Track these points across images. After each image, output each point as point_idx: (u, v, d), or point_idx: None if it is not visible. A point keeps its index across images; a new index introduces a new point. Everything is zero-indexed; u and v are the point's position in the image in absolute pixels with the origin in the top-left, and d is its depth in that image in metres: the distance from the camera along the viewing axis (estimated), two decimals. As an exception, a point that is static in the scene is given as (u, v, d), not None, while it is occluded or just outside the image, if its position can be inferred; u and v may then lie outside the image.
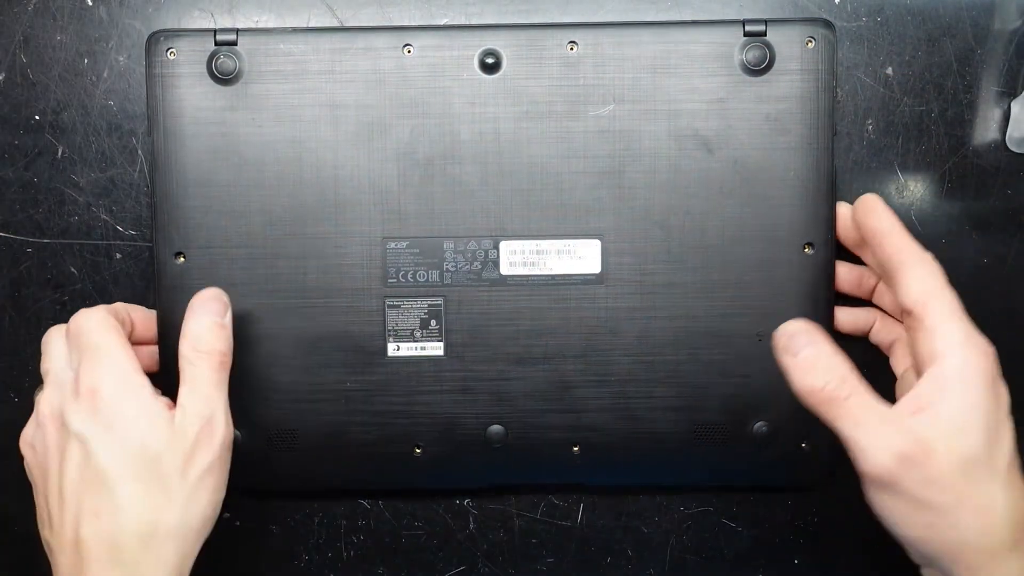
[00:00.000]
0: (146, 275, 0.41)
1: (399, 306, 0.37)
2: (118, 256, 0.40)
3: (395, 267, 0.37)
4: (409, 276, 0.37)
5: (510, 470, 0.39)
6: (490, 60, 0.36)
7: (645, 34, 0.37)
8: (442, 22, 0.41)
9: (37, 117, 0.40)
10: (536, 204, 0.37)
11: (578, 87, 0.37)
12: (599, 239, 0.37)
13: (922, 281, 0.32)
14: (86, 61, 0.39)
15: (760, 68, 0.38)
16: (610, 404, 0.38)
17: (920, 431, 0.28)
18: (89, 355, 0.31)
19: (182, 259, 0.36)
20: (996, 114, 0.48)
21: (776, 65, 0.38)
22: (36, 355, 0.41)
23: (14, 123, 0.39)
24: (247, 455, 0.37)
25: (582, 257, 0.37)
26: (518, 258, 0.37)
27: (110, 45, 0.39)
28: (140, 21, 0.40)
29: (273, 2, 0.40)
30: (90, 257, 0.40)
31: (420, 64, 0.36)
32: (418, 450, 0.38)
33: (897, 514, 0.28)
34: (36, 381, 0.41)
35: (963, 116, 0.47)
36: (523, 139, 0.37)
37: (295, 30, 0.37)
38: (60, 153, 0.40)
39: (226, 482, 0.32)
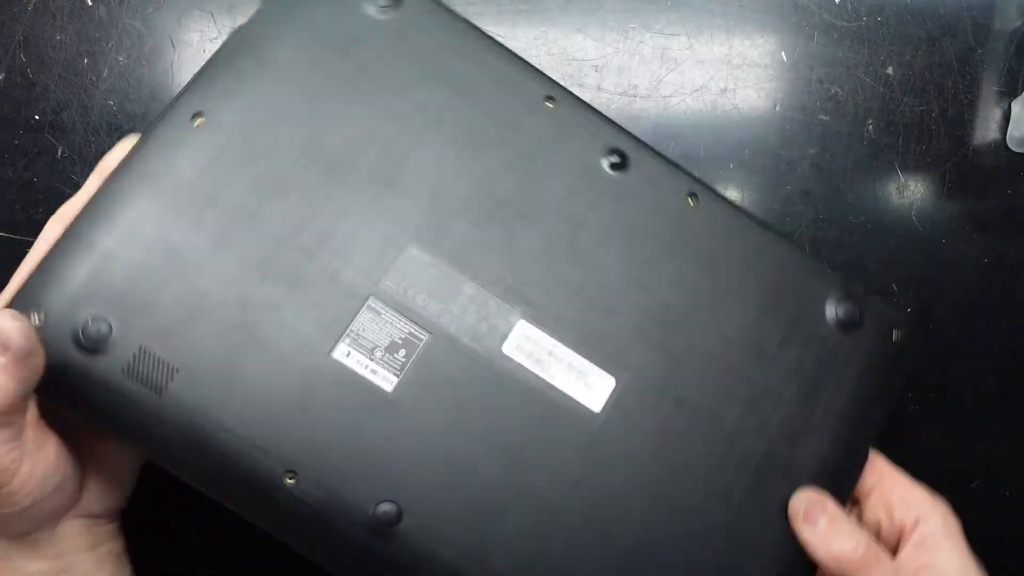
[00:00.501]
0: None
1: (380, 313, 0.31)
2: (118, 256, 0.40)
3: (401, 273, 0.32)
4: (408, 291, 0.31)
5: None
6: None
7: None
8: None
9: (37, 117, 0.40)
10: (579, 303, 0.32)
11: None
12: (614, 379, 0.32)
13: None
14: (86, 61, 0.39)
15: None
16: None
17: None
18: None
19: None
20: (996, 114, 0.48)
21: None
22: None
23: (14, 123, 0.39)
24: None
25: (590, 386, 0.32)
26: (527, 346, 0.32)
27: (110, 45, 0.39)
28: (140, 21, 0.40)
29: (273, 2, 0.41)
30: (90, 257, 0.40)
31: None
32: (290, 480, 0.29)
33: None
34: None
35: (963, 116, 0.47)
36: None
37: None
38: (60, 153, 0.40)
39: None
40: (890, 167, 0.47)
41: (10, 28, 0.39)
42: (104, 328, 0.28)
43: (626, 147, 0.35)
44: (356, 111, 0.32)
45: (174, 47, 0.40)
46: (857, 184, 0.47)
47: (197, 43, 0.40)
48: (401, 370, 0.30)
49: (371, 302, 0.31)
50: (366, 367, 0.30)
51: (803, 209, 0.46)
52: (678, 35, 0.44)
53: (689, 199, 0.34)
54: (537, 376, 0.31)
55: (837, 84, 0.46)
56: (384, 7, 0.33)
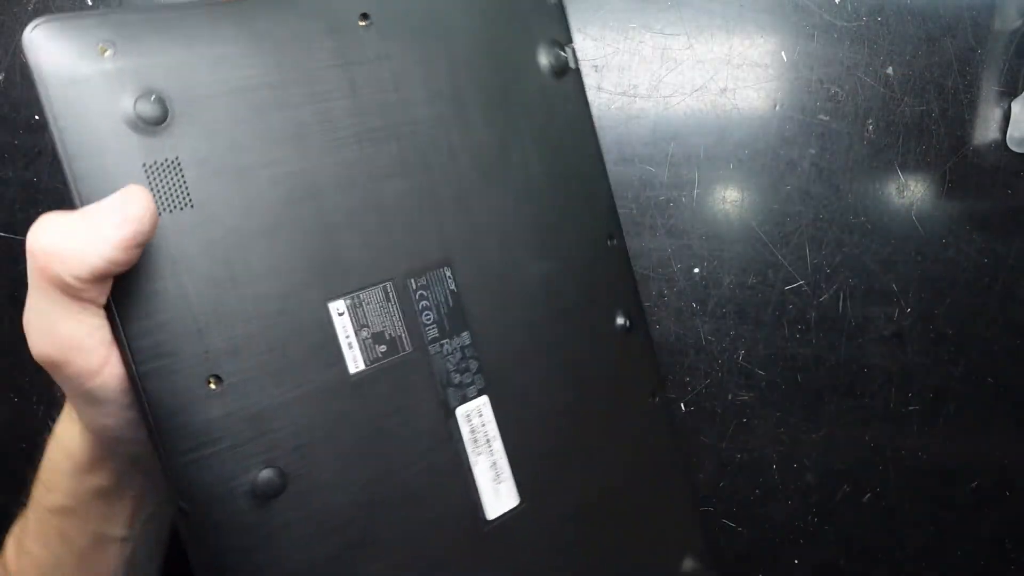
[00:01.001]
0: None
1: (389, 302, 0.30)
2: (118, 256, 0.40)
3: (429, 283, 0.31)
4: (422, 303, 0.31)
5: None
6: None
7: None
8: None
9: (37, 117, 0.40)
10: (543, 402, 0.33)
11: None
12: (520, 501, 0.33)
13: None
14: (86, 61, 0.39)
15: None
16: None
17: None
18: None
19: None
20: (996, 114, 0.48)
21: None
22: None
23: (14, 123, 0.39)
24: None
25: (497, 493, 0.32)
26: (476, 421, 0.32)
27: (110, 45, 0.39)
28: (140, 21, 0.40)
29: (273, 2, 0.40)
30: (90, 257, 0.40)
31: None
32: (213, 386, 0.27)
33: None
34: (36, 381, 0.41)
35: (963, 116, 0.48)
36: None
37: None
38: (60, 153, 0.40)
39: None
40: (890, 167, 0.47)
41: (10, 28, 0.39)
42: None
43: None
44: None
45: (174, 47, 0.40)
46: (857, 184, 0.47)
47: (197, 43, 0.40)
48: (371, 362, 0.30)
49: (389, 286, 0.30)
50: (346, 338, 0.29)
51: (803, 209, 0.46)
52: (678, 35, 0.44)
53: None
54: (465, 451, 0.31)
55: (837, 84, 0.46)
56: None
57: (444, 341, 0.31)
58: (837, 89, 0.46)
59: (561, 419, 0.34)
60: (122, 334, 0.25)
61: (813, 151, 0.46)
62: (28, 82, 0.39)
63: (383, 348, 0.30)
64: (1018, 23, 0.47)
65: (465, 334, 0.32)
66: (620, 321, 0.36)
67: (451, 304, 0.32)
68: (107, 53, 0.25)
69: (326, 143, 0.29)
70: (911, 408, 0.49)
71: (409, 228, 0.31)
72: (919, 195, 0.48)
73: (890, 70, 0.46)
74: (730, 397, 0.47)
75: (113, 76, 0.25)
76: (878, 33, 0.46)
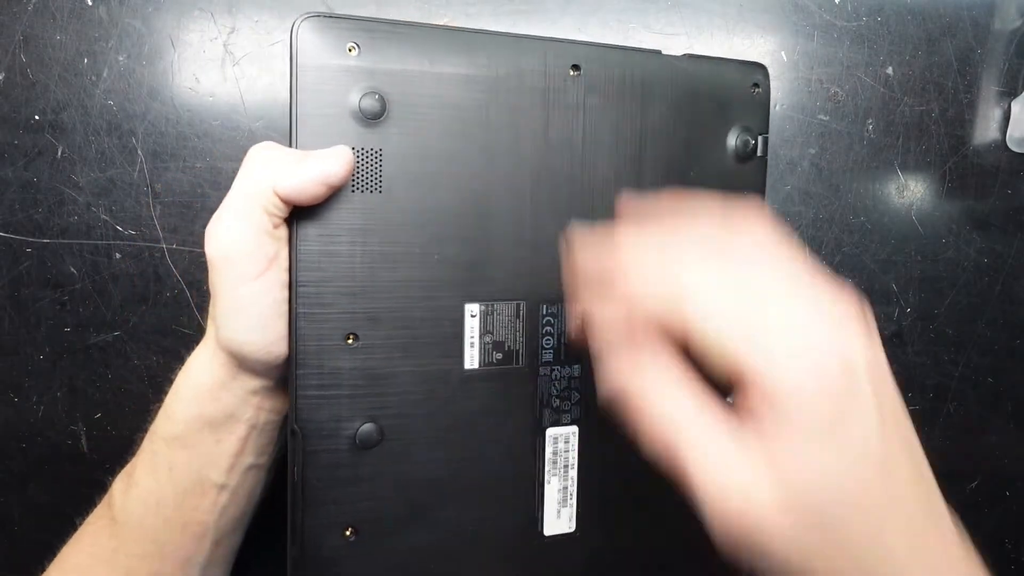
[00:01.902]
0: (146, 275, 0.41)
1: (519, 319, 0.34)
2: (118, 256, 0.40)
3: (557, 313, 0.34)
4: (546, 328, 0.34)
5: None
6: None
7: None
8: (442, 21, 0.41)
9: (37, 117, 0.39)
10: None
11: None
12: (575, 529, 0.35)
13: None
14: (86, 61, 0.39)
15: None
16: None
17: (756, 497, 0.22)
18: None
19: None
20: (996, 114, 0.48)
21: None
22: (36, 355, 0.41)
23: (14, 123, 0.39)
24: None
25: (559, 516, 0.35)
26: (561, 446, 0.35)
27: (110, 45, 0.39)
28: (140, 21, 0.39)
29: (273, 2, 0.40)
30: (90, 257, 0.40)
31: None
32: (351, 342, 0.31)
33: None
34: (36, 381, 0.41)
35: (963, 116, 0.48)
36: None
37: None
38: (60, 153, 0.40)
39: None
40: (890, 167, 0.47)
41: (10, 28, 0.39)
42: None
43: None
44: None
45: (174, 47, 0.40)
46: (857, 184, 0.47)
47: (197, 43, 0.40)
48: (485, 365, 0.33)
49: (522, 305, 0.34)
50: (471, 337, 0.33)
51: (803, 209, 0.46)
52: (678, 35, 0.44)
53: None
54: (543, 468, 0.35)
55: (837, 84, 0.46)
56: None
57: (556, 367, 0.35)
58: (837, 89, 0.46)
59: (636, 471, 0.35)
60: (295, 275, 0.30)
61: (813, 151, 0.46)
62: (28, 82, 0.39)
63: (499, 356, 0.34)
64: (1018, 23, 0.47)
65: (576, 367, 0.35)
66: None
67: (572, 337, 0.34)
68: (353, 52, 0.30)
69: (508, 170, 0.33)
70: (911, 408, 0.49)
71: (554, 263, 0.34)
72: (919, 195, 0.48)
73: (890, 70, 0.46)
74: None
75: (351, 72, 0.30)
76: (878, 33, 0.46)
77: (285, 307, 0.30)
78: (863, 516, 0.22)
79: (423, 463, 0.33)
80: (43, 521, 0.42)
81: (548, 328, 0.34)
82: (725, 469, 0.23)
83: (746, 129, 0.36)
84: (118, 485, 0.33)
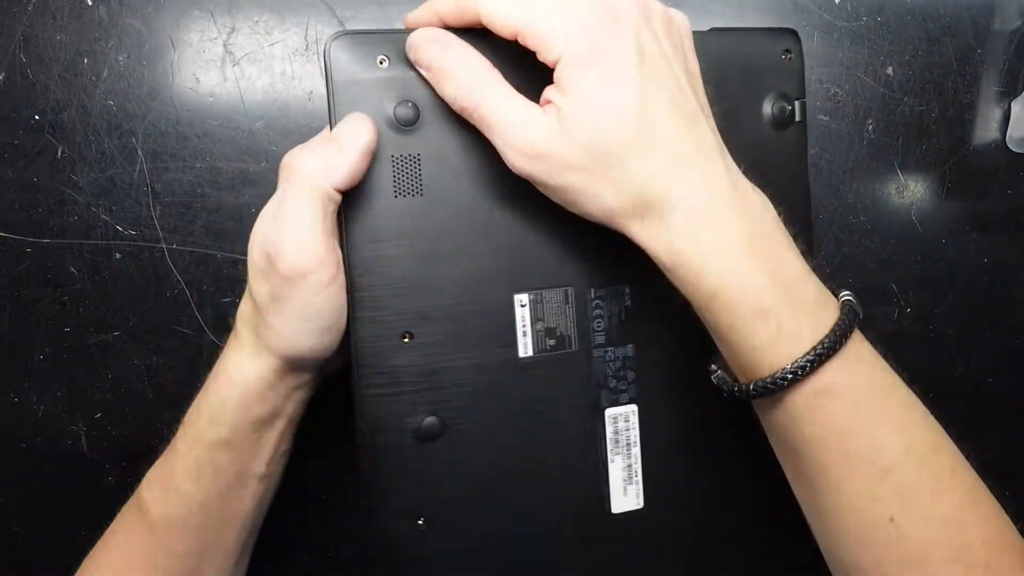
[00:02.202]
0: (146, 275, 0.41)
1: (568, 304, 0.35)
2: (118, 256, 0.40)
3: (606, 296, 0.35)
4: (596, 311, 0.35)
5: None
6: None
7: None
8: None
9: (37, 117, 0.39)
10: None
11: None
12: (643, 504, 0.36)
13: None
14: (86, 61, 0.39)
15: None
16: None
17: (543, 130, 0.28)
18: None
19: None
20: (996, 114, 0.48)
21: None
22: (36, 355, 0.41)
23: (14, 123, 0.39)
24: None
25: (626, 493, 0.36)
26: (622, 425, 0.36)
27: (110, 45, 0.39)
28: (140, 21, 0.39)
29: (273, 2, 0.40)
30: (90, 257, 0.40)
31: None
32: (405, 340, 0.33)
33: (551, 196, 0.30)
34: (36, 381, 0.41)
35: (963, 116, 0.48)
36: None
37: None
38: (60, 153, 0.40)
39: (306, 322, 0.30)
40: (890, 167, 0.47)
41: (10, 28, 0.39)
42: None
43: None
44: None
45: (174, 47, 0.40)
46: (857, 184, 0.47)
47: (197, 43, 0.40)
48: (539, 352, 0.34)
49: (570, 291, 0.34)
50: (523, 326, 0.34)
51: (803, 209, 0.46)
52: (678, 35, 0.44)
53: None
54: (605, 448, 0.35)
55: (837, 84, 0.46)
56: None
57: (609, 348, 0.35)
58: (837, 89, 0.46)
59: (699, 443, 0.37)
60: (351, 282, 0.31)
61: (813, 151, 0.46)
62: (28, 82, 0.39)
63: (552, 342, 0.34)
64: (1018, 23, 0.47)
65: (630, 347, 0.35)
66: None
67: (623, 318, 0.35)
68: (384, 64, 0.31)
69: None
70: (911, 408, 0.49)
71: (598, 248, 0.34)
72: (919, 195, 0.48)
73: (890, 70, 0.46)
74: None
75: (384, 83, 0.31)
76: (878, 33, 0.46)
77: (346, 307, 0.31)
78: (626, 139, 0.28)
79: (486, 451, 0.34)
80: (43, 521, 0.42)
81: (598, 311, 0.35)
82: (517, 113, 0.28)
83: (782, 96, 0.36)
84: (151, 492, 0.33)
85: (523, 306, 0.34)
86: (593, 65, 0.27)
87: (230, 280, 0.41)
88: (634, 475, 0.36)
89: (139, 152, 0.40)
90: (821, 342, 0.29)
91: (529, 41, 0.28)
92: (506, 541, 0.34)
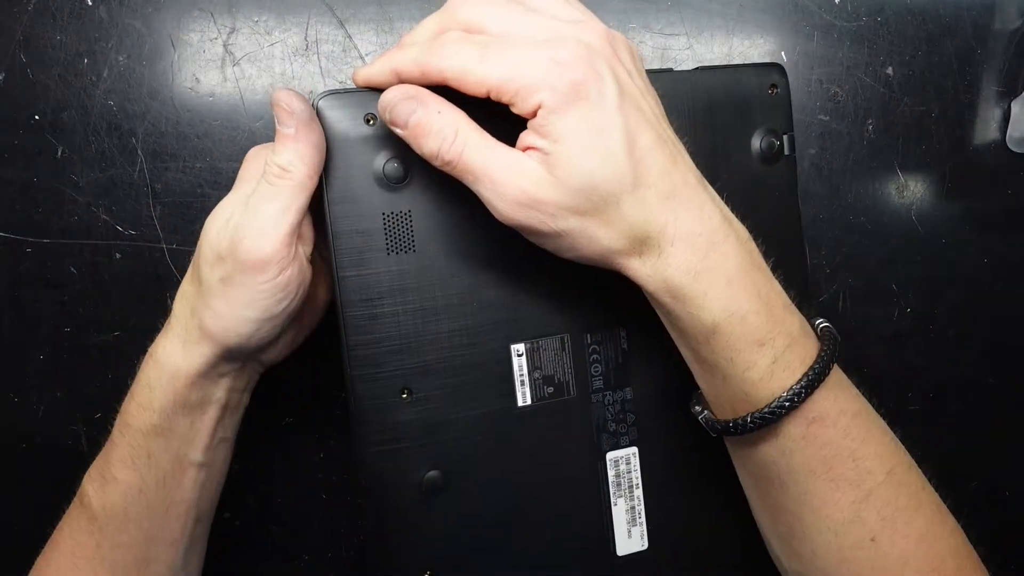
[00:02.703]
0: (146, 275, 0.41)
1: (564, 351, 0.35)
2: (118, 256, 0.40)
3: (602, 340, 0.35)
4: (593, 356, 0.35)
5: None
6: None
7: None
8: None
9: (37, 117, 0.39)
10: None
11: None
12: (648, 547, 0.37)
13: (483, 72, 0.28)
14: (86, 61, 0.39)
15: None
16: None
17: (534, 175, 0.27)
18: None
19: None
20: (996, 114, 0.48)
21: None
22: (36, 355, 0.41)
23: (14, 123, 0.39)
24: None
25: (630, 536, 0.36)
26: (623, 468, 0.36)
27: (110, 45, 0.39)
28: (140, 21, 0.39)
29: (273, 2, 0.40)
30: (90, 257, 0.40)
31: None
32: (404, 396, 0.33)
33: (544, 244, 0.29)
34: (36, 381, 0.41)
35: (963, 116, 0.47)
36: None
37: None
38: (60, 153, 0.40)
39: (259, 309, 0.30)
40: (890, 167, 0.47)
41: (10, 28, 0.39)
42: None
43: None
44: None
45: (174, 47, 0.40)
46: (857, 184, 0.47)
47: (197, 43, 0.40)
48: (538, 400, 0.34)
49: (566, 338, 0.35)
50: (520, 375, 0.34)
51: (803, 209, 0.46)
52: (678, 35, 0.44)
53: None
54: (608, 491, 0.35)
55: (837, 84, 0.46)
56: None
57: (607, 392, 0.35)
58: (837, 89, 0.46)
59: (701, 483, 0.37)
60: (345, 340, 0.32)
61: (813, 151, 0.46)
62: (28, 82, 0.40)
63: (551, 389, 0.34)
64: (1018, 23, 0.47)
65: (628, 389, 0.36)
66: None
67: (620, 361, 0.35)
68: (370, 123, 0.31)
69: None
70: (911, 408, 0.49)
71: (592, 292, 0.34)
72: (919, 195, 0.48)
73: (890, 70, 0.46)
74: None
75: (371, 141, 0.31)
76: (878, 33, 0.46)
77: (295, 297, 0.31)
78: (619, 179, 0.27)
79: (490, 501, 0.34)
80: (43, 521, 0.42)
81: (595, 356, 0.35)
82: (504, 161, 0.27)
83: (770, 131, 0.36)
84: (91, 485, 0.33)
85: (520, 355, 0.34)
86: (576, 108, 0.27)
87: (230, 280, 0.41)
88: (637, 517, 0.36)
89: (139, 152, 0.40)
90: (812, 368, 0.29)
91: (504, 96, 0.27)
92: None
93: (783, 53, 0.45)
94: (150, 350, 0.32)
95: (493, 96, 0.27)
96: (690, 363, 0.31)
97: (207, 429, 0.33)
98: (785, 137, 0.37)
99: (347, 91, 0.31)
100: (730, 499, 0.37)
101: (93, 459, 0.39)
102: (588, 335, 0.35)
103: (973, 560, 0.31)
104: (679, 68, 0.36)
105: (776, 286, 0.30)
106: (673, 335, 0.31)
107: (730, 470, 0.35)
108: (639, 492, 0.36)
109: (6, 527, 0.42)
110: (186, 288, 0.32)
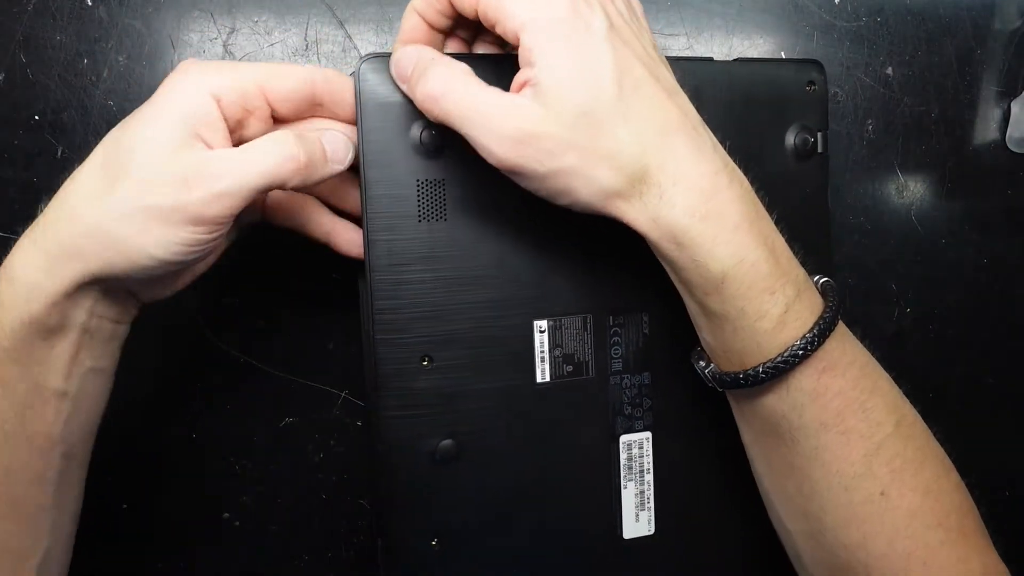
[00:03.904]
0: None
1: (585, 331, 0.35)
2: (118, 256, 0.40)
3: (626, 324, 0.36)
4: (615, 338, 0.35)
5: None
6: None
7: None
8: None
9: (37, 117, 0.39)
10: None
11: None
12: (655, 532, 0.37)
13: None
14: (86, 61, 0.39)
15: None
16: None
17: (526, 110, 0.27)
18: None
19: None
20: (996, 114, 0.48)
21: None
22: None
23: (14, 123, 0.39)
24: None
25: (638, 519, 0.37)
26: (635, 452, 0.36)
27: (110, 45, 0.39)
28: (140, 21, 0.39)
29: (273, 2, 0.40)
30: (90, 257, 0.40)
31: None
32: (425, 363, 0.33)
33: (540, 189, 0.28)
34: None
35: (963, 116, 0.48)
36: None
37: None
38: (60, 153, 0.40)
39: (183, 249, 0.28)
40: (890, 167, 0.47)
41: (10, 28, 0.39)
42: None
43: None
44: None
45: (174, 47, 0.40)
46: (857, 184, 0.47)
47: (197, 43, 0.40)
48: (556, 377, 0.34)
49: (589, 318, 0.35)
50: (541, 352, 0.34)
51: (803, 209, 0.46)
52: (678, 35, 0.44)
53: None
54: (618, 474, 0.36)
55: (837, 84, 0.46)
56: None
57: (626, 376, 0.36)
58: (837, 89, 0.46)
59: (711, 472, 0.37)
60: (371, 305, 0.32)
61: (813, 151, 0.46)
62: (28, 82, 0.39)
63: (570, 368, 0.35)
64: (1017, 23, 0.47)
65: (646, 374, 0.36)
66: None
67: (640, 345, 0.36)
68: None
69: None
70: (911, 408, 0.49)
71: (618, 275, 0.35)
72: (919, 195, 0.48)
73: (890, 70, 0.46)
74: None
75: (411, 107, 0.31)
76: (878, 33, 0.46)
77: (211, 256, 0.30)
78: (610, 101, 0.27)
79: (501, 475, 0.34)
80: (43, 521, 0.42)
81: (616, 338, 0.35)
82: (495, 99, 0.27)
83: (804, 127, 0.37)
84: None
85: (542, 332, 0.34)
86: (561, 29, 0.26)
87: (231, 280, 0.41)
88: (646, 501, 0.36)
89: (139, 152, 0.40)
90: (822, 316, 0.29)
91: (490, 12, 0.27)
92: (517, 563, 0.35)
93: (783, 53, 0.45)
94: (5, 262, 0.29)
95: (480, 14, 0.28)
96: (695, 317, 0.31)
97: (67, 355, 0.30)
98: (819, 135, 0.37)
99: (390, 55, 0.31)
100: (739, 490, 0.37)
101: (93, 459, 0.39)
102: (611, 317, 0.35)
103: (974, 517, 0.31)
104: (719, 59, 0.36)
105: (780, 236, 0.29)
106: (680, 288, 0.31)
107: (741, 460, 0.36)
108: (649, 477, 0.36)
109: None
110: (86, 187, 0.29)
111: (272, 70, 0.30)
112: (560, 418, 0.34)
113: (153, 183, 0.27)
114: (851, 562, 0.30)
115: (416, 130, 0.31)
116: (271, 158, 0.28)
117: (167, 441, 0.41)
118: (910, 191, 0.47)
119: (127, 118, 0.30)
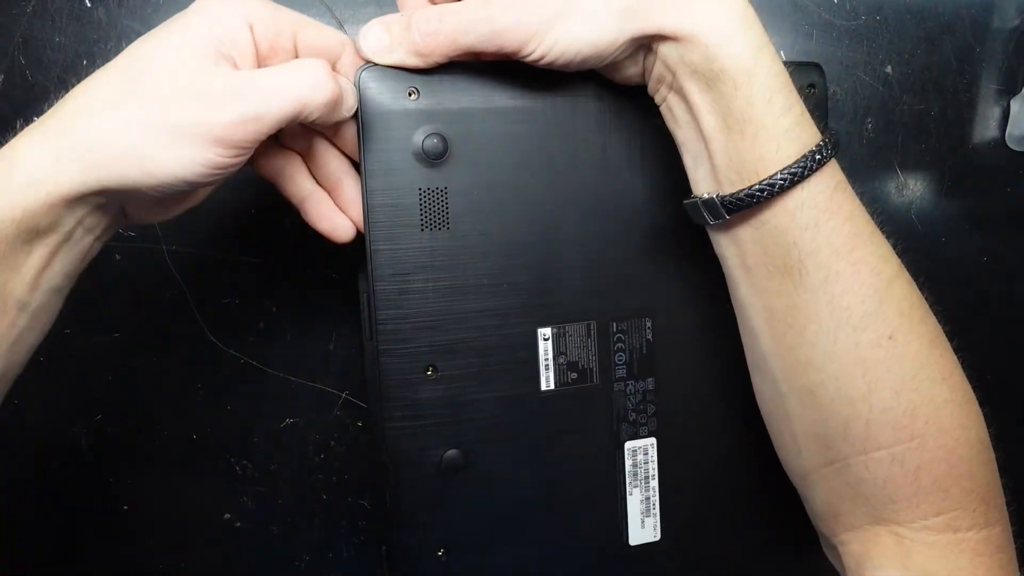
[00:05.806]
0: (146, 275, 0.41)
1: (589, 338, 0.35)
2: (118, 256, 0.40)
3: (629, 329, 0.36)
4: (618, 344, 0.35)
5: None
6: None
7: None
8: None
9: (36, 118, 0.40)
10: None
11: None
12: (659, 537, 0.37)
13: None
14: (85, 63, 0.39)
15: None
16: None
17: None
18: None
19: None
20: (996, 112, 0.48)
21: None
22: (36, 355, 0.41)
23: (14, 124, 0.39)
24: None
25: (643, 526, 0.37)
26: (641, 458, 0.36)
27: (109, 47, 0.39)
28: (139, 23, 0.39)
29: (273, 2, 0.40)
30: (90, 258, 0.40)
31: None
32: (430, 374, 0.34)
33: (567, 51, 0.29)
34: (36, 381, 0.41)
35: (963, 114, 0.47)
36: None
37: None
38: (60, 154, 0.40)
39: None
40: (889, 166, 0.47)
41: (9, 30, 0.39)
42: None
43: None
44: None
45: (173, 48, 0.40)
46: (857, 183, 0.46)
47: (196, 44, 0.40)
48: (561, 385, 0.34)
49: (592, 325, 0.35)
50: (545, 360, 0.34)
51: (802, 208, 0.46)
52: (677, 35, 0.44)
53: None
54: (624, 481, 0.36)
55: (836, 83, 0.46)
56: None
57: (630, 382, 0.36)
58: (836, 88, 0.46)
59: (717, 477, 0.37)
60: (374, 313, 0.32)
61: (812, 150, 0.46)
62: (27, 83, 0.40)
63: (574, 375, 0.35)
64: (1017, 21, 0.47)
65: (650, 380, 0.36)
66: None
67: (644, 352, 0.36)
68: (412, 96, 0.31)
69: (569, 195, 0.34)
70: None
71: (621, 281, 0.35)
72: (918, 194, 0.47)
73: (889, 69, 0.46)
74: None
75: (413, 115, 0.31)
76: (877, 32, 0.46)
77: (217, 183, 0.29)
78: None
79: (507, 483, 0.34)
80: (43, 521, 0.42)
81: (620, 345, 0.35)
82: None
83: None
84: None
85: (546, 339, 0.34)
86: None
87: (231, 281, 0.41)
88: (652, 508, 0.36)
89: (138, 153, 0.40)
90: (830, 130, 0.28)
91: None
92: (525, 572, 0.35)
93: (782, 52, 0.45)
94: (7, 146, 0.27)
95: None
96: (713, 139, 0.29)
97: (39, 263, 0.28)
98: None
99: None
100: (745, 497, 0.37)
101: (93, 459, 0.39)
102: (614, 323, 0.35)
103: (969, 391, 0.31)
104: None
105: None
106: (705, 102, 0.29)
107: (747, 468, 0.36)
108: (655, 483, 0.36)
109: (6, 527, 0.42)
110: (105, 92, 0.27)
111: (311, 22, 0.30)
112: (565, 426, 0.35)
113: (179, 99, 0.26)
114: (851, 418, 0.29)
115: (419, 137, 0.31)
116: (306, 84, 0.27)
117: (167, 441, 0.41)
118: (910, 189, 0.47)
119: (153, 31, 0.28)
